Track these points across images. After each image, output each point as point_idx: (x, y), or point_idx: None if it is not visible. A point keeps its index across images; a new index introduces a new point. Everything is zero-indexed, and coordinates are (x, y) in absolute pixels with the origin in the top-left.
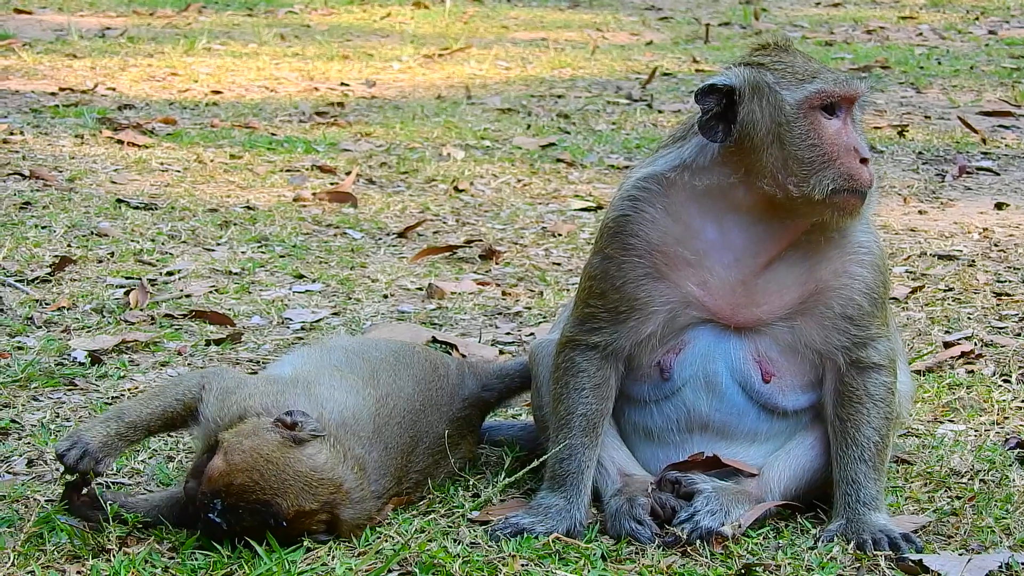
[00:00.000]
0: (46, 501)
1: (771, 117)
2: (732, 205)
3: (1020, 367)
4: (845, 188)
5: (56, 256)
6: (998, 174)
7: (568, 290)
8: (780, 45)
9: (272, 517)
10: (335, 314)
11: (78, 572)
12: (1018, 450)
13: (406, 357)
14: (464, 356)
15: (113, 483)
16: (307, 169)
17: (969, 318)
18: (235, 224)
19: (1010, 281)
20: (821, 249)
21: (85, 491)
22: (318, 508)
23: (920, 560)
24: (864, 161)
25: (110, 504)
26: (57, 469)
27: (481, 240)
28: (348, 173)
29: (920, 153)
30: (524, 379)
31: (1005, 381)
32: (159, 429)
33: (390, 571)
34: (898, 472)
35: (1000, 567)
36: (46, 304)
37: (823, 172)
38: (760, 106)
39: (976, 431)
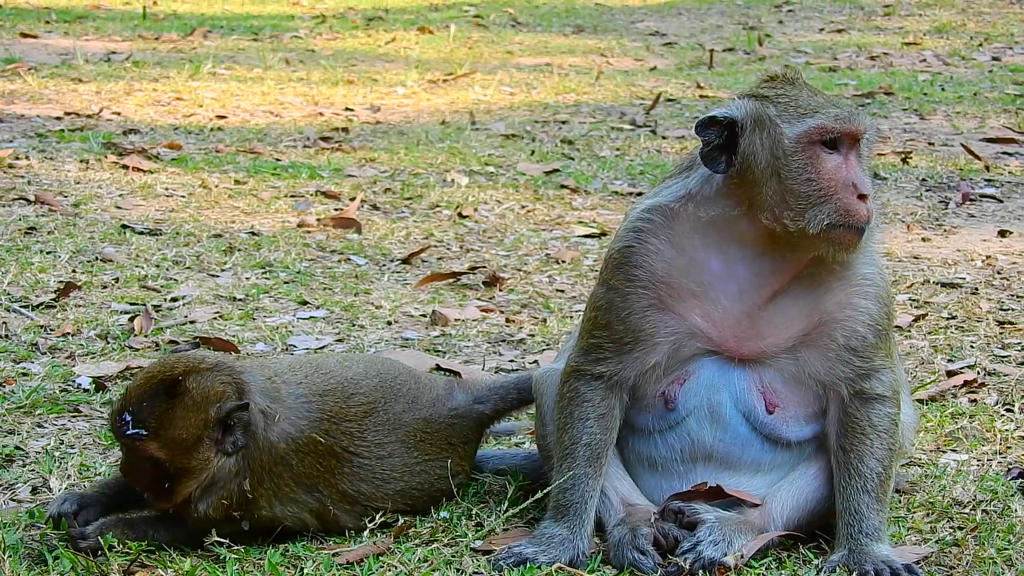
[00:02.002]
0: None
1: (770, 150)
2: (736, 237)
3: (1023, 396)
4: (841, 224)
5: (61, 282)
6: (1001, 201)
7: (572, 317)
8: (788, 78)
9: (170, 387)
10: (339, 340)
11: None
12: (1021, 480)
13: (369, 359)
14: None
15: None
16: (311, 195)
17: (972, 346)
18: (239, 250)
19: (1013, 309)
20: (825, 282)
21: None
22: (211, 368)
23: None
24: (862, 197)
25: (106, 538)
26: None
27: (485, 267)
28: (352, 199)
29: (923, 180)
30: (521, 392)
31: (1008, 410)
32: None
33: None
34: (900, 502)
35: None
36: (51, 330)
37: (819, 207)
38: (761, 139)
39: (979, 461)
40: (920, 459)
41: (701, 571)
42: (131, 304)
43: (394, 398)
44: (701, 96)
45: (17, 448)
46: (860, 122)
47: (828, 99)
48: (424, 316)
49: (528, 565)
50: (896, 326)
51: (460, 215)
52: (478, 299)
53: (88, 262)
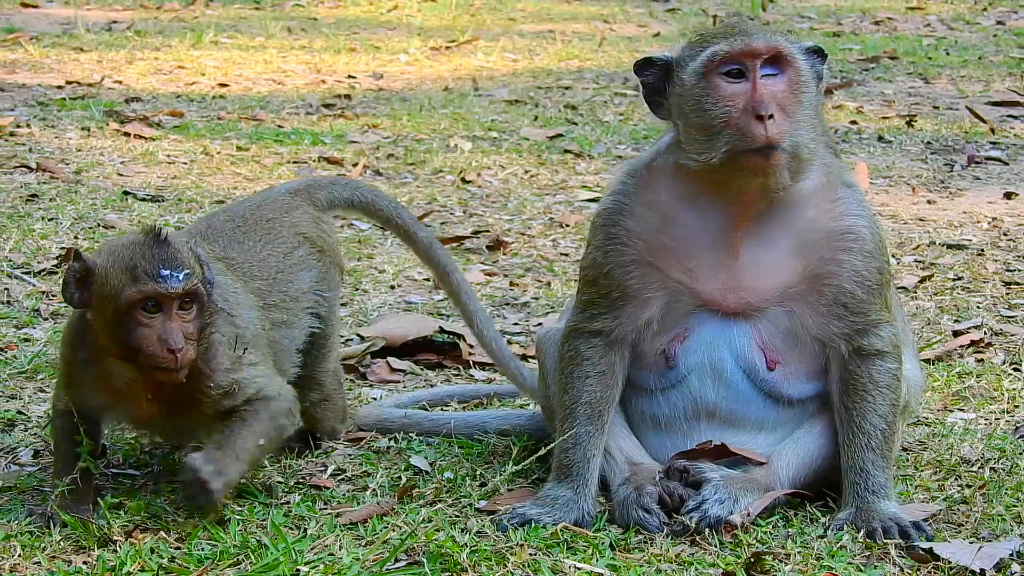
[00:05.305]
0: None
1: (679, 90)
2: (700, 189)
3: None
4: (739, 148)
5: (63, 248)
6: (1007, 163)
7: (576, 280)
8: (731, 19)
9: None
10: (342, 305)
11: (84, 563)
12: None
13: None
14: (471, 347)
15: (122, 474)
16: (314, 161)
17: (978, 307)
18: None
19: (1019, 270)
20: (806, 232)
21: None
22: None
23: (930, 548)
24: (760, 118)
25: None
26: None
27: (488, 231)
28: (355, 164)
29: (929, 143)
30: None
31: (1015, 370)
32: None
33: (397, 560)
34: (908, 460)
35: (1011, 555)
36: (52, 296)
37: (717, 136)
38: (678, 79)
39: (986, 419)
40: (927, 418)
41: (707, 529)
42: None
43: None
44: None
45: (19, 413)
46: (754, 41)
47: (736, 28)
48: (427, 280)
49: (533, 525)
50: (902, 287)
51: (463, 180)
52: (482, 263)
53: (90, 228)
